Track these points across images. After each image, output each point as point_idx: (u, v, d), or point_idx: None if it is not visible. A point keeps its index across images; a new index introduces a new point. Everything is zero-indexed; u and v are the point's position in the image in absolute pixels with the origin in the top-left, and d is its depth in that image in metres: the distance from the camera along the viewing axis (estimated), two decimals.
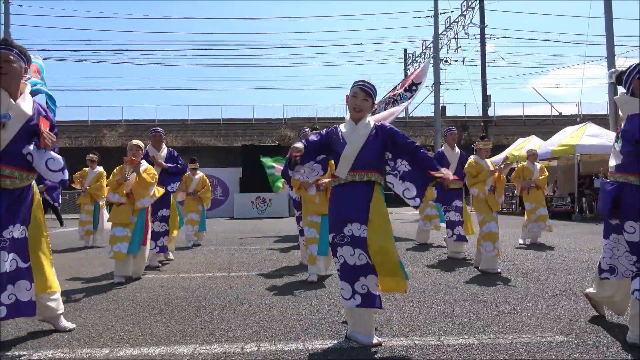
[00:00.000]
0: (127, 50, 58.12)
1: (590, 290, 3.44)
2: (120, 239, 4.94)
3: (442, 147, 6.92)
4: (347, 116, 3.18)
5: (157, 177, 5.24)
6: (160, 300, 4.14)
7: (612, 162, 3.05)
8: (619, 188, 2.95)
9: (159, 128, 6.44)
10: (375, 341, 2.86)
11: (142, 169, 5.09)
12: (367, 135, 3.03)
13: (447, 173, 3.07)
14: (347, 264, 2.90)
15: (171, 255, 6.55)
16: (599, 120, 18.31)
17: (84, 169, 8.62)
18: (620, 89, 3.18)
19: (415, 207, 3.27)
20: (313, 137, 3.15)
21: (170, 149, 6.43)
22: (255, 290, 4.53)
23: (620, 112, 3.11)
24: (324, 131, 3.21)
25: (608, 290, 3.22)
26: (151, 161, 5.74)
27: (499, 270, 5.22)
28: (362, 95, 3.03)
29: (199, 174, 8.71)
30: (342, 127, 3.14)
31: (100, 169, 8.58)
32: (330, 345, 2.92)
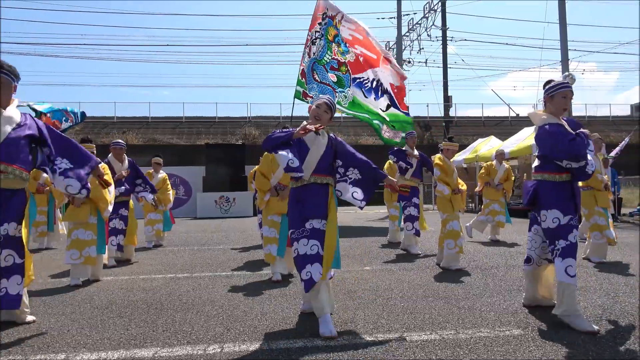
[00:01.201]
0: (84, 44, 56.15)
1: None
2: (87, 243, 4.80)
3: (404, 148, 7.12)
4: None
5: (111, 179, 5.15)
6: (120, 303, 4.02)
7: (534, 164, 3.55)
8: (537, 185, 3.41)
9: (120, 141, 6.30)
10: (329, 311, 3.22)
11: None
12: (326, 144, 3.38)
13: (393, 182, 3.64)
14: (300, 255, 3.22)
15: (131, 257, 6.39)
16: None
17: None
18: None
19: (360, 208, 3.58)
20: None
21: (130, 159, 6.34)
22: (218, 290, 4.47)
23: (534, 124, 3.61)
24: (290, 130, 3.33)
25: (531, 285, 3.69)
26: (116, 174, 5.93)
27: (460, 267, 5.37)
28: (324, 108, 3.38)
29: (162, 173, 8.48)
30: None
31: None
32: (295, 345, 2.92)
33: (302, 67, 8.94)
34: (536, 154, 3.56)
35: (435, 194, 5.77)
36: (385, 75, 8.25)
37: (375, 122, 8.04)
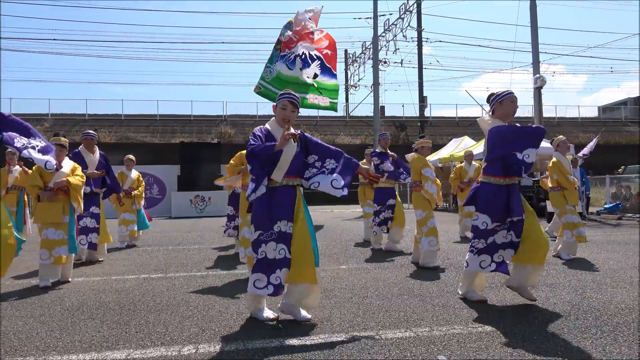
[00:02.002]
0: (55, 39, 54.60)
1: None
2: (58, 242, 4.69)
3: (377, 149, 7.15)
4: (273, 123, 3.42)
5: (84, 178, 5.05)
6: (91, 304, 3.93)
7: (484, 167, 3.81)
8: (479, 186, 3.72)
9: (91, 131, 6.18)
10: (272, 315, 3.38)
11: (68, 168, 4.86)
12: (296, 145, 3.37)
13: (366, 169, 3.55)
14: (267, 258, 3.23)
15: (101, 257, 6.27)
16: (526, 122, 19.49)
17: (2, 168, 8.00)
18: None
19: (343, 197, 3.51)
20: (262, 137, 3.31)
21: (102, 152, 6.23)
22: (193, 291, 4.42)
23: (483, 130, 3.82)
24: (262, 134, 3.32)
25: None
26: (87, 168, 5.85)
27: (437, 265, 5.44)
28: (291, 108, 3.34)
29: (135, 171, 8.32)
30: (274, 133, 3.35)
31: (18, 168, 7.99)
32: (271, 344, 2.91)
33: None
34: (484, 157, 3.77)
35: (422, 193, 5.65)
36: (311, 45, 8.96)
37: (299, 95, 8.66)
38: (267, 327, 3.26)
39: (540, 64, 14.70)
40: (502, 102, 3.61)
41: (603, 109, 45.37)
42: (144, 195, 8.42)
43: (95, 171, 6.01)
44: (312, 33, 9.33)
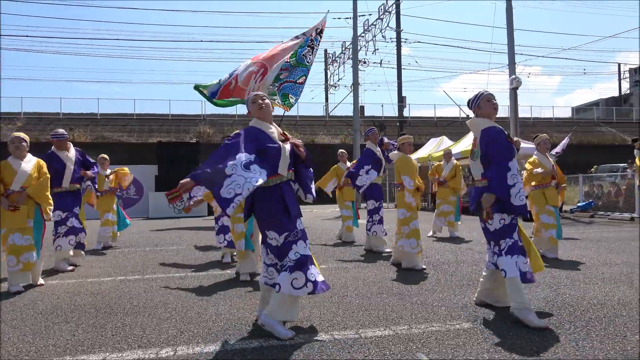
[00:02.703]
0: (27, 36, 53.18)
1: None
2: (26, 248, 4.56)
3: (367, 145, 7.00)
4: (256, 122, 3.26)
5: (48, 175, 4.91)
6: (65, 308, 3.85)
7: (477, 172, 3.55)
8: (482, 190, 3.42)
9: (59, 130, 6.02)
10: (291, 335, 3.03)
11: (30, 166, 4.70)
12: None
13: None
14: (304, 256, 3.08)
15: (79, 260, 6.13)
16: (501, 122, 19.73)
17: None
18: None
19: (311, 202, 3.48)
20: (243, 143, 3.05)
21: (77, 148, 6.10)
22: (171, 292, 4.37)
23: (472, 132, 3.76)
24: (242, 133, 3.11)
25: (486, 283, 3.67)
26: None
27: (424, 267, 5.32)
28: (260, 97, 3.31)
29: (109, 170, 8.14)
30: (263, 128, 3.21)
31: None
32: (250, 345, 2.90)
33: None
34: (480, 161, 3.51)
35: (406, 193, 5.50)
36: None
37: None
38: (247, 328, 3.24)
39: (516, 66, 14.97)
40: (479, 105, 3.60)
41: (576, 110, 46.43)
42: (126, 181, 8.25)
43: (88, 172, 6.04)
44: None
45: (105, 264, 6.14)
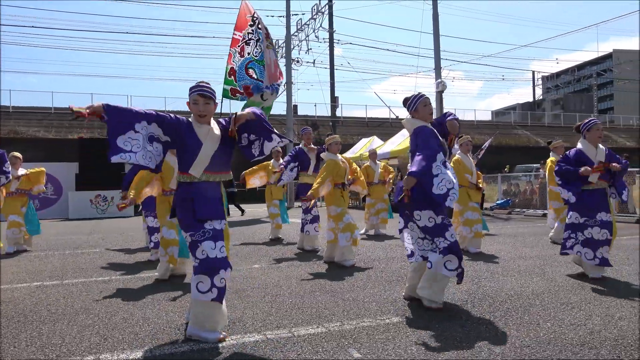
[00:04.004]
0: None
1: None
2: None
3: (301, 145, 7.07)
4: (193, 119, 3.10)
5: None
6: None
7: (413, 167, 3.56)
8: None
9: None
10: (220, 336, 2.92)
11: None
12: (220, 138, 3.07)
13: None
14: (210, 258, 2.91)
15: None
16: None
17: None
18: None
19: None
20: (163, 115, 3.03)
21: None
22: (94, 298, 4.13)
23: (406, 130, 3.88)
24: (174, 117, 3.04)
25: (414, 279, 3.75)
26: None
27: (354, 263, 5.44)
28: (203, 101, 3.02)
29: (23, 170, 7.50)
30: (194, 124, 3.06)
31: None
32: (180, 349, 2.81)
33: (231, 66, 10.79)
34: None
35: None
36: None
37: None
38: (176, 331, 3.14)
39: (442, 70, 15.73)
40: (416, 109, 3.67)
41: (496, 113, 49.53)
42: (36, 189, 7.55)
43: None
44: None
45: (19, 269, 5.68)
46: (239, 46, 10.88)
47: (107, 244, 8.04)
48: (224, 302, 2.99)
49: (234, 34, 11.03)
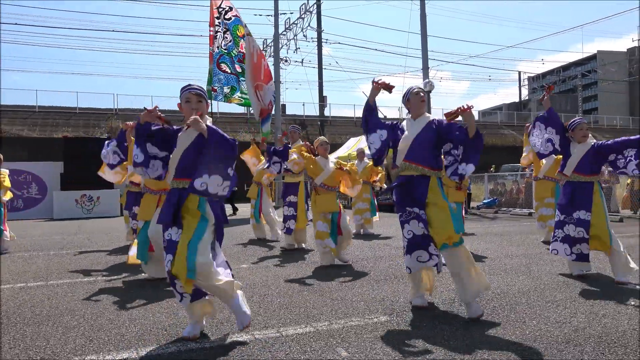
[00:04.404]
0: None
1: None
2: None
3: (286, 142, 7.04)
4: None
5: None
6: None
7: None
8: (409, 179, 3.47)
9: None
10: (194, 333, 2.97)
11: None
12: (193, 138, 2.97)
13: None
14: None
15: None
16: None
17: None
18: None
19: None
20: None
21: None
22: (80, 298, 4.07)
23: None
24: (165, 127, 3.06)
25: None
26: None
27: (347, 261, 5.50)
28: (196, 99, 3.00)
29: (4, 170, 7.32)
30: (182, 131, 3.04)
31: None
32: (167, 350, 2.79)
33: (210, 66, 10.75)
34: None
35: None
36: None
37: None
38: (163, 332, 3.11)
39: (429, 70, 15.82)
40: (408, 99, 3.62)
41: (482, 113, 49.92)
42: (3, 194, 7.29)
43: None
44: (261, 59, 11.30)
45: (2, 270, 5.59)
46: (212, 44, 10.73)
47: (93, 244, 7.94)
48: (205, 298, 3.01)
49: (209, 30, 10.74)
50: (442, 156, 3.61)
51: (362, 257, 5.97)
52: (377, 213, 9.24)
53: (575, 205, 4.44)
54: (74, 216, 14.68)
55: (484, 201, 14.65)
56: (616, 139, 4.45)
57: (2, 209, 7.11)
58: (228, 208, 14.75)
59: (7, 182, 7.16)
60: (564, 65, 73.37)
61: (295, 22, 24.30)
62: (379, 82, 3.49)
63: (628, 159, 4.24)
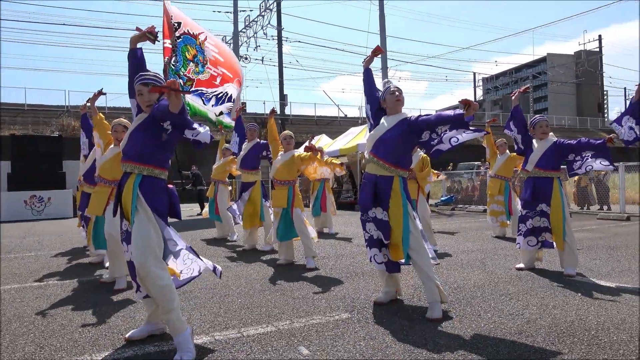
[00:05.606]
0: None
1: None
2: None
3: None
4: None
5: None
6: None
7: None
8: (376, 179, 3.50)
9: None
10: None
11: None
12: (141, 119, 2.92)
13: None
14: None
15: None
16: None
17: None
18: None
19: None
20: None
21: None
22: (29, 304, 3.89)
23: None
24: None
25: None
26: None
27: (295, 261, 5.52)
28: (146, 89, 2.84)
29: None
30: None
31: None
32: (123, 354, 2.70)
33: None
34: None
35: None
36: (234, 90, 10.33)
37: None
38: (119, 337, 3.02)
39: (388, 70, 16.06)
40: (384, 99, 3.63)
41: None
42: None
43: None
44: (239, 75, 10.70)
45: None
46: (171, 56, 9.82)
47: (44, 247, 7.60)
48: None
49: (163, 42, 9.84)
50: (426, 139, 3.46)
51: (323, 255, 6.00)
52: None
53: (538, 199, 4.63)
54: (23, 218, 14.01)
55: (442, 198, 15.02)
56: (580, 139, 4.69)
57: None
58: (196, 208, 14.45)
59: None
60: (517, 67, 76.24)
61: (255, 19, 24.14)
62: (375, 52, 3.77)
63: (585, 158, 4.50)
